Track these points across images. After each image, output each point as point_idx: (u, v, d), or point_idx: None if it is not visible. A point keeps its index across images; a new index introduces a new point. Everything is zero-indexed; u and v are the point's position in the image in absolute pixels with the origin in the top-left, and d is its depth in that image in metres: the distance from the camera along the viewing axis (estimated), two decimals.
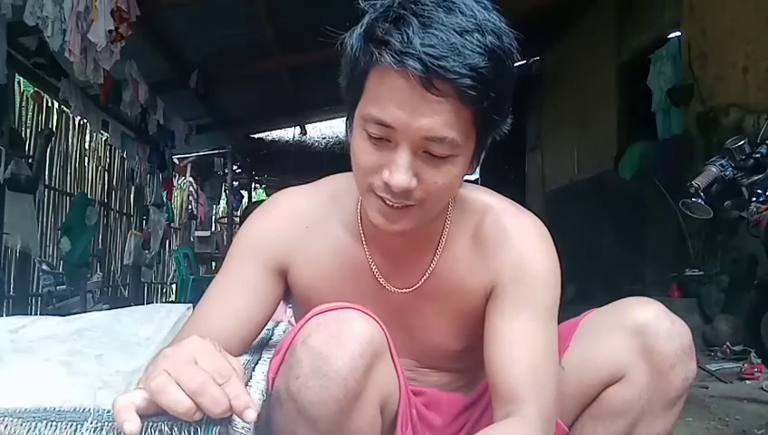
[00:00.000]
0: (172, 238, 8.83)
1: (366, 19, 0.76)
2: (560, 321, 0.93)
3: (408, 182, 0.75)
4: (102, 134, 6.11)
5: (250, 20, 5.16)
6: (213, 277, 0.95)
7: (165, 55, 5.41)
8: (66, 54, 3.60)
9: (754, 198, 2.62)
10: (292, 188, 1.00)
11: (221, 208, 11.67)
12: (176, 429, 0.59)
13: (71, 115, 5.43)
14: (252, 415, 0.57)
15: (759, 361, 3.03)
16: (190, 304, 1.16)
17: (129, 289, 6.85)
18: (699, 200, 2.77)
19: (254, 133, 10.02)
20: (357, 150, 0.79)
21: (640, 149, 5.46)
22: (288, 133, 9.84)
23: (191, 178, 9.74)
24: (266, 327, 1.01)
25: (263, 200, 1.22)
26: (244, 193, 11.66)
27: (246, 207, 7.81)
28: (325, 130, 10.35)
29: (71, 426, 0.61)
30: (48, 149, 4.89)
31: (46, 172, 5.05)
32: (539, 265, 0.89)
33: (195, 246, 8.42)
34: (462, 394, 1.02)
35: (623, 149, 5.84)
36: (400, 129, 0.74)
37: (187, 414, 0.57)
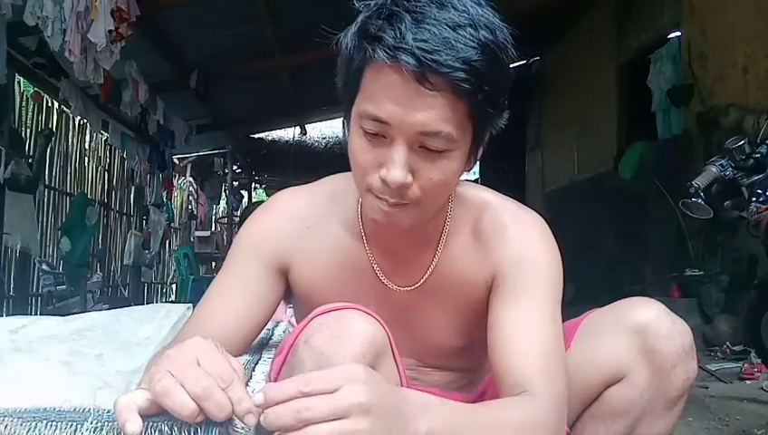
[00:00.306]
0: (172, 238, 8.83)
1: (360, 18, 0.77)
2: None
3: (404, 178, 0.75)
4: (102, 134, 6.11)
5: (250, 20, 5.16)
6: (213, 277, 0.95)
7: (165, 55, 5.41)
8: (66, 54, 3.60)
9: (754, 198, 2.62)
10: (291, 188, 1.00)
11: (221, 208, 11.67)
12: (176, 429, 0.59)
13: (71, 115, 5.43)
14: (253, 420, 0.58)
15: (759, 361, 3.03)
16: (190, 304, 1.16)
17: (129, 289, 6.85)
18: (699, 200, 2.77)
19: (254, 133, 10.02)
20: (354, 149, 0.79)
21: (640, 149, 5.46)
22: (288, 133, 9.84)
23: (191, 178, 9.74)
24: (266, 327, 1.01)
25: (263, 201, 1.22)
26: (244, 193, 11.66)
27: (246, 208, 7.80)
28: (325, 130, 10.35)
29: (71, 426, 0.61)
30: (48, 149, 4.89)
31: (46, 172, 5.05)
32: (539, 253, 0.89)
33: (195, 246, 8.42)
34: (464, 394, 1.02)
35: (623, 149, 5.85)
36: (396, 124, 0.74)
37: (190, 417, 0.57)
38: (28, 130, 4.94)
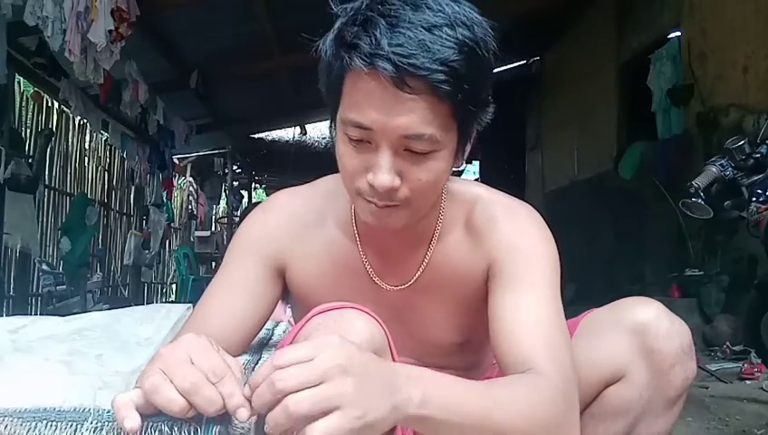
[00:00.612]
0: (172, 238, 8.83)
1: (336, 24, 0.76)
2: None
3: (392, 181, 0.76)
4: (102, 134, 6.11)
5: (250, 20, 5.16)
6: (213, 277, 0.95)
7: (165, 55, 5.40)
8: (66, 54, 3.60)
9: (754, 198, 2.62)
10: (288, 188, 1.01)
11: (221, 208, 11.67)
12: (176, 429, 0.59)
13: (71, 115, 5.43)
14: (244, 414, 0.57)
15: (759, 361, 3.03)
16: (190, 304, 1.16)
17: (129, 289, 6.85)
18: (699, 200, 2.77)
19: (254, 133, 10.02)
20: (341, 154, 0.80)
21: (640, 149, 5.46)
22: (288, 133, 9.84)
23: (191, 178, 9.74)
24: (266, 327, 1.01)
25: (262, 201, 1.22)
26: (244, 193, 11.67)
27: (246, 208, 7.81)
28: (325, 130, 10.32)
29: (71, 426, 0.61)
30: (48, 149, 4.89)
31: (46, 172, 5.05)
32: (532, 240, 0.89)
33: (195, 246, 8.42)
34: None
35: (623, 149, 5.85)
36: (378, 130, 0.74)
37: (180, 413, 0.57)
38: (28, 130, 4.94)
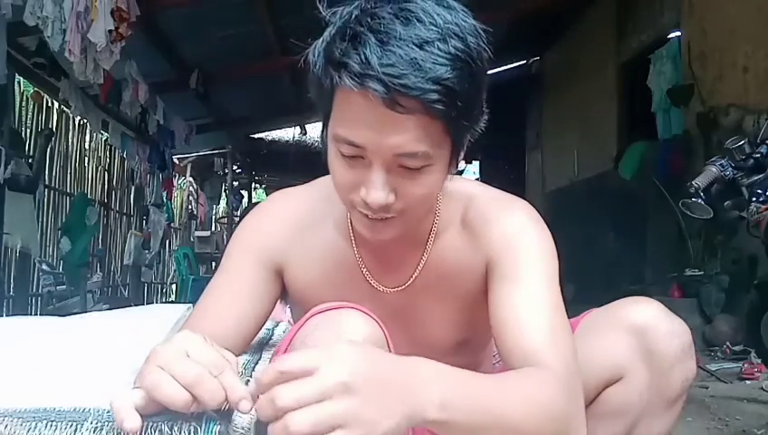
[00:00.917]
0: (172, 238, 8.83)
1: (325, 35, 0.74)
2: None
3: (386, 198, 0.75)
4: (102, 134, 6.11)
5: (250, 20, 5.16)
6: (212, 277, 0.95)
7: (165, 55, 5.41)
8: (66, 54, 3.60)
9: (754, 198, 2.62)
10: (286, 189, 1.01)
11: (221, 208, 11.67)
12: (176, 428, 0.59)
13: (71, 115, 5.43)
14: (247, 406, 0.57)
15: (759, 361, 3.03)
16: (190, 304, 1.16)
17: (129, 289, 6.85)
18: (699, 200, 2.77)
19: (254, 133, 10.03)
20: (333, 168, 0.79)
21: (640, 149, 5.46)
22: (288, 133, 9.84)
23: (191, 178, 9.74)
24: (266, 327, 1.01)
25: (261, 201, 1.23)
26: (244, 193, 11.66)
27: (246, 208, 7.81)
28: None
29: (71, 426, 0.61)
30: (48, 149, 4.89)
31: (46, 172, 5.05)
32: (527, 232, 0.88)
33: (195, 246, 8.42)
34: None
35: (623, 149, 5.85)
36: (371, 148, 0.73)
37: (184, 407, 0.57)
38: (28, 130, 4.94)
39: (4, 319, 1.10)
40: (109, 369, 0.84)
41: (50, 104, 5.30)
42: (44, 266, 4.81)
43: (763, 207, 2.59)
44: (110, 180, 6.73)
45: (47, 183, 5.14)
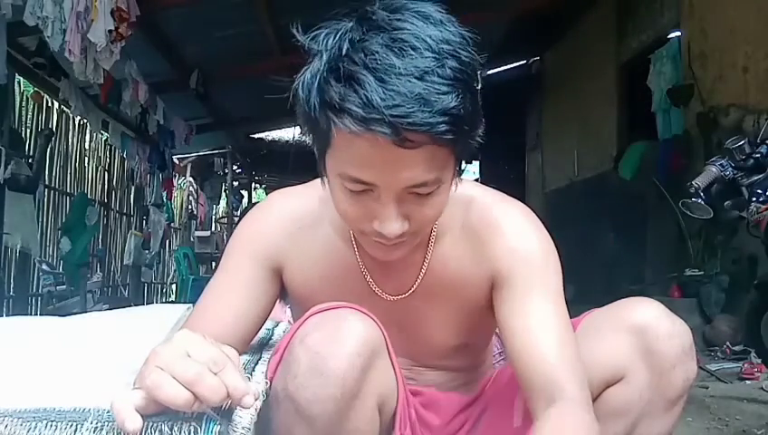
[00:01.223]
0: (172, 238, 8.83)
1: (313, 68, 0.71)
2: None
3: (401, 228, 0.75)
4: (102, 134, 6.11)
5: (250, 20, 5.16)
6: (212, 277, 0.95)
7: (165, 55, 5.40)
8: (66, 54, 3.60)
9: (754, 198, 2.62)
10: (285, 188, 1.01)
11: (221, 208, 11.67)
12: (176, 428, 0.59)
13: (71, 115, 5.43)
14: (250, 401, 0.58)
15: (759, 361, 3.03)
16: (190, 304, 1.16)
17: (129, 289, 6.85)
18: (699, 200, 2.78)
19: (254, 133, 10.02)
20: (339, 201, 0.78)
21: (640, 149, 5.46)
22: (288, 133, 9.85)
23: (191, 178, 9.74)
24: (266, 327, 1.02)
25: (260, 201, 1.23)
26: (244, 193, 11.67)
27: (246, 208, 7.81)
28: None
29: (71, 426, 0.61)
30: (48, 149, 4.88)
31: (46, 172, 5.05)
32: (534, 247, 0.88)
33: (195, 246, 8.43)
34: (460, 393, 1.02)
35: (623, 149, 5.85)
36: (382, 185, 0.72)
37: (186, 405, 0.57)
38: (28, 130, 4.94)
39: (4, 319, 1.10)
40: (109, 369, 0.84)
41: (50, 104, 5.30)
42: (44, 266, 4.81)
43: (763, 207, 2.59)
44: (110, 180, 6.73)
45: (47, 183, 5.14)
